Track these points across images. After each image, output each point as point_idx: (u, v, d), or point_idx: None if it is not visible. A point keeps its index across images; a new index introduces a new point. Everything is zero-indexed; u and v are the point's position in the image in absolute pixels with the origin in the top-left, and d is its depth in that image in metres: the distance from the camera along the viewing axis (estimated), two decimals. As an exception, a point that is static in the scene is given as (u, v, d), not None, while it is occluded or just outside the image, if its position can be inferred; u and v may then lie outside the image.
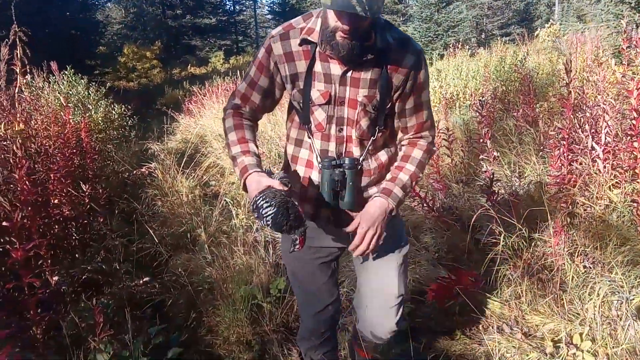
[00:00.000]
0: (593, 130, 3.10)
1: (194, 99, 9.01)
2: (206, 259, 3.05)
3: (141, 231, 3.46)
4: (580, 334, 2.17)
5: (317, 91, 1.48)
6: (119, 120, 6.31)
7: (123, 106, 6.64)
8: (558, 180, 3.04)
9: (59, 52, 10.14)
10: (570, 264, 2.49)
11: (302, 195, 1.61)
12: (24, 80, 3.52)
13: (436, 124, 1.83)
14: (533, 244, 2.57)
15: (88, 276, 2.84)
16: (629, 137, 2.89)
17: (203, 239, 3.34)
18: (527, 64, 6.85)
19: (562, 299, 2.41)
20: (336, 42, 1.35)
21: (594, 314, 2.24)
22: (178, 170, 4.60)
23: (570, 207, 2.90)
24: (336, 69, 1.45)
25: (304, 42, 1.46)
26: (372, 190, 1.59)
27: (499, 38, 15.22)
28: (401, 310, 1.66)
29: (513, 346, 2.26)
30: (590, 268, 2.56)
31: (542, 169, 3.70)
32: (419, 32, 17.55)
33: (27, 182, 2.18)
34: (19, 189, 2.14)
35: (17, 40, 3.11)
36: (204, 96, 8.89)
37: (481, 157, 3.13)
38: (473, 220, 2.78)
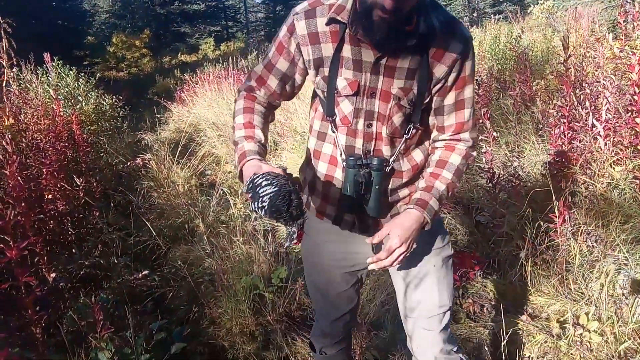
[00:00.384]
0: (593, 107, 3.06)
1: (186, 88, 8.89)
2: (205, 250, 3.01)
3: (138, 224, 3.42)
4: (587, 314, 2.15)
5: (344, 80, 1.27)
6: (110, 111, 6.22)
7: (114, 97, 6.54)
8: (559, 159, 3.01)
9: (46, 43, 9.94)
10: (574, 244, 2.47)
11: (324, 194, 1.44)
12: (12, 74, 3.44)
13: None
14: (537, 224, 2.54)
15: (86, 271, 2.80)
16: (629, 113, 2.85)
17: (201, 230, 3.30)
18: (522, 41, 6.79)
19: (567, 279, 2.39)
20: (371, 23, 1.12)
21: (600, 293, 2.23)
22: (173, 161, 4.55)
23: (571, 186, 2.87)
24: (368, 54, 1.23)
25: (331, 21, 1.25)
26: (403, 192, 1.40)
27: (491, 16, 15.07)
28: (446, 322, 1.45)
29: (519, 328, 2.25)
30: (594, 247, 2.54)
31: (542, 148, 3.66)
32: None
33: (19, 178, 2.13)
34: (10, 185, 2.08)
35: (2, 32, 3.03)
36: (196, 84, 8.77)
37: (480, 137, 3.08)
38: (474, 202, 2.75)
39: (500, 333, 2.18)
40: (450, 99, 1.32)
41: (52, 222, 2.84)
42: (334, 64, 1.27)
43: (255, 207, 1.10)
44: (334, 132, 1.35)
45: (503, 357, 1.83)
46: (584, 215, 2.68)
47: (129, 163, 4.97)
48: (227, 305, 2.48)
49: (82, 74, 6.30)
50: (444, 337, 1.43)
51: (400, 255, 1.27)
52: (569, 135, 3.01)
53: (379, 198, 1.32)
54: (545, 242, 2.53)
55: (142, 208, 3.88)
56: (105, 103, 6.07)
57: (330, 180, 1.40)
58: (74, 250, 2.93)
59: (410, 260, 1.39)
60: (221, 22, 31.68)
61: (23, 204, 2.08)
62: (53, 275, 2.43)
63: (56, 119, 3.49)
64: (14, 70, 3.63)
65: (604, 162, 2.90)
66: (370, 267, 1.32)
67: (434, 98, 1.32)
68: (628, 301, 2.19)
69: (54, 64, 5.59)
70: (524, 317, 2.30)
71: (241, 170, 1.26)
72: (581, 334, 2.09)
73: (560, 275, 2.41)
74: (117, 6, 28.02)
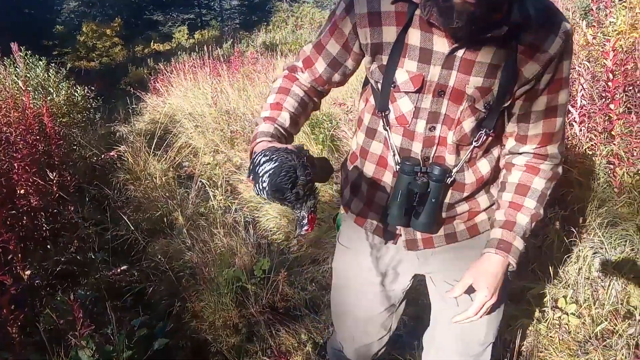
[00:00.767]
0: (568, 94, 3.10)
1: (160, 77, 8.71)
2: (185, 243, 2.97)
3: (115, 218, 3.36)
4: (564, 297, 2.20)
5: (406, 73, 1.06)
6: (82, 102, 6.04)
7: (86, 87, 6.36)
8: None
9: (13, 33, 9.62)
10: (552, 228, 2.52)
11: (368, 199, 1.25)
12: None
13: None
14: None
15: (62, 268, 2.74)
16: (603, 100, 2.91)
17: (181, 223, 3.25)
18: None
19: (545, 263, 2.43)
20: (451, 6, 0.90)
21: (577, 277, 2.28)
22: (149, 153, 4.46)
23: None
24: (441, 44, 1.02)
25: None
26: (461, 208, 1.20)
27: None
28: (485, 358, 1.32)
29: (499, 313, 2.28)
30: (571, 231, 2.59)
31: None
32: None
33: (-12, 174, 2.06)
34: (-20, 182, 2.01)
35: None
36: (171, 74, 8.60)
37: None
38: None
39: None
40: (540, 104, 1.10)
41: (25, 218, 2.75)
42: (395, 52, 1.06)
43: (257, 190, 0.92)
44: (385, 129, 1.14)
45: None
46: (560, 201, 2.73)
47: (103, 156, 4.84)
48: (209, 298, 2.46)
49: (52, 64, 6.11)
50: None
51: (490, 306, 1.13)
52: (545, 121, 3.05)
53: (433, 212, 1.13)
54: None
55: (119, 202, 3.81)
56: (77, 94, 5.90)
57: (377, 184, 1.21)
58: (49, 247, 2.85)
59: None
60: (194, 9, 31.08)
61: (-6, 201, 2.02)
62: (28, 272, 2.37)
63: (26, 111, 3.38)
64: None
65: (579, 148, 2.95)
66: (454, 320, 1.16)
67: (518, 102, 1.10)
68: (604, 284, 2.24)
69: (21, 54, 5.41)
70: (504, 302, 2.34)
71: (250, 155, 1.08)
72: (560, 316, 2.14)
73: (538, 260, 2.46)
74: (86, -6, 27.24)
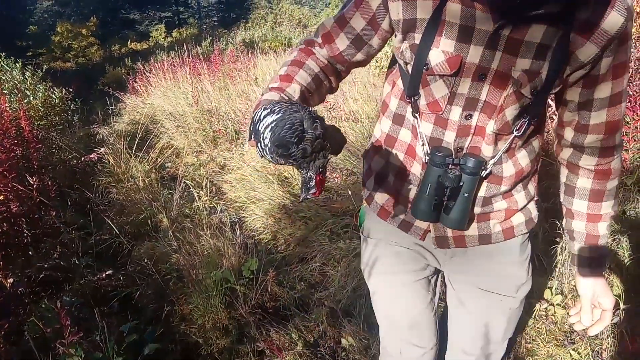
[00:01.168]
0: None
1: (139, 77, 8.58)
2: (171, 246, 2.94)
3: (98, 222, 3.30)
4: (550, 288, 2.24)
5: (442, 53, 0.93)
6: (60, 104, 5.93)
7: (63, 89, 6.24)
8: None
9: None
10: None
11: (395, 191, 1.14)
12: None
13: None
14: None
15: (46, 274, 2.68)
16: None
17: (166, 225, 3.22)
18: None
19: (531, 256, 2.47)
20: None
21: (561, 268, 2.32)
22: (130, 154, 4.39)
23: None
24: (485, 21, 0.88)
25: None
26: (498, 205, 1.10)
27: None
28: (499, 356, 1.29)
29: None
30: (555, 223, 2.64)
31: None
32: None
33: (-34, 181, 2.01)
34: (-42, 189, 1.96)
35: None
36: (150, 73, 8.49)
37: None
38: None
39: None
40: (604, 90, 0.97)
41: (5, 224, 2.69)
42: (430, 30, 0.93)
43: (260, 150, 0.79)
44: (414, 116, 1.04)
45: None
46: (544, 194, 2.78)
47: (83, 158, 4.76)
48: (197, 300, 2.44)
49: (28, 66, 5.98)
50: None
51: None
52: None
53: (466, 208, 1.03)
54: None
55: (101, 205, 3.75)
56: (54, 96, 5.79)
57: (404, 175, 1.11)
58: (31, 253, 2.79)
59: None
60: (172, 7, 30.72)
61: (-26, 208, 1.96)
62: (10, 280, 2.33)
63: (2, 114, 3.30)
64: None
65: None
66: (590, 333, 1.17)
67: (572, 89, 0.99)
68: (587, 274, 2.29)
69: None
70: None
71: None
72: (546, 308, 2.17)
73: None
74: (60, -7, 26.70)
